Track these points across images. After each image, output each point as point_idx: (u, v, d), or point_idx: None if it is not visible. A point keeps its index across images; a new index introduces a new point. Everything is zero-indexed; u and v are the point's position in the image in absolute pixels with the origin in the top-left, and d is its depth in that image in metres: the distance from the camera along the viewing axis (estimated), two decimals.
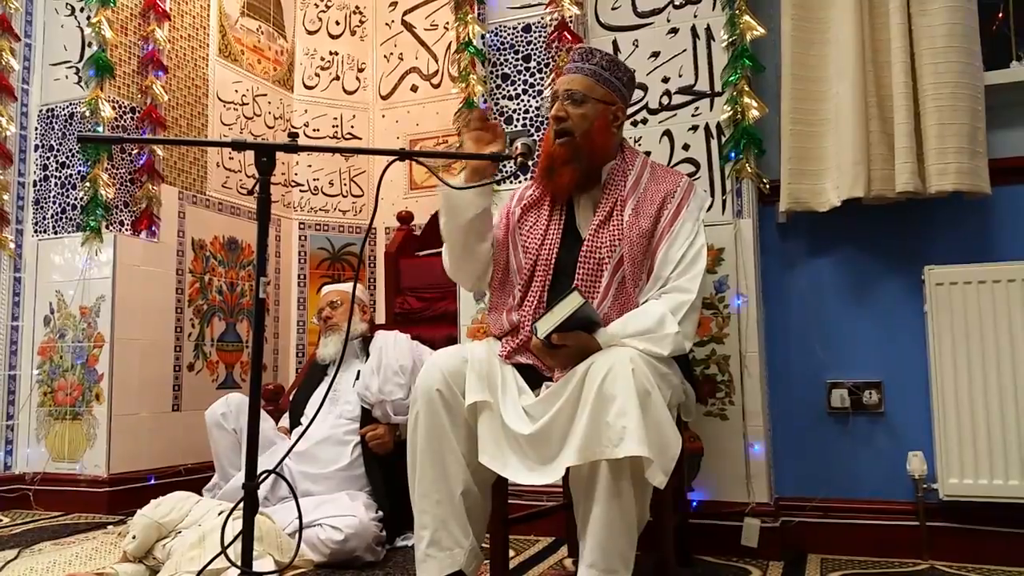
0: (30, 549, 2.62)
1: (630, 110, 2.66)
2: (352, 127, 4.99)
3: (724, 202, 2.53)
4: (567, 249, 1.95)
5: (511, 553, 2.13)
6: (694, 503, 2.44)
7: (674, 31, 2.65)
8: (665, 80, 2.65)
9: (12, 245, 3.58)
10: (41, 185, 3.61)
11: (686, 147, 2.60)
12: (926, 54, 2.27)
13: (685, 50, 2.63)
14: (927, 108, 2.26)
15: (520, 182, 2.64)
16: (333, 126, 4.94)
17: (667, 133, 2.62)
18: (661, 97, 2.64)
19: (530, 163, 1.90)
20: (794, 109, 2.43)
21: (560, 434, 1.67)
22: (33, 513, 3.31)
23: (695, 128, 2.59)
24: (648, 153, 2.61)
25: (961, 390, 2.23)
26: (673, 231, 1.89)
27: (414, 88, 5.04)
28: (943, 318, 2.27)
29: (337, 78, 5.00)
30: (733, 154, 2.51)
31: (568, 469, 1.65)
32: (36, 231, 3.60)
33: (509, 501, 1.95)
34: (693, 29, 2.63)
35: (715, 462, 2.45)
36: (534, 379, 1.82)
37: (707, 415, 2.47)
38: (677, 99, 2.63)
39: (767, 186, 2.52)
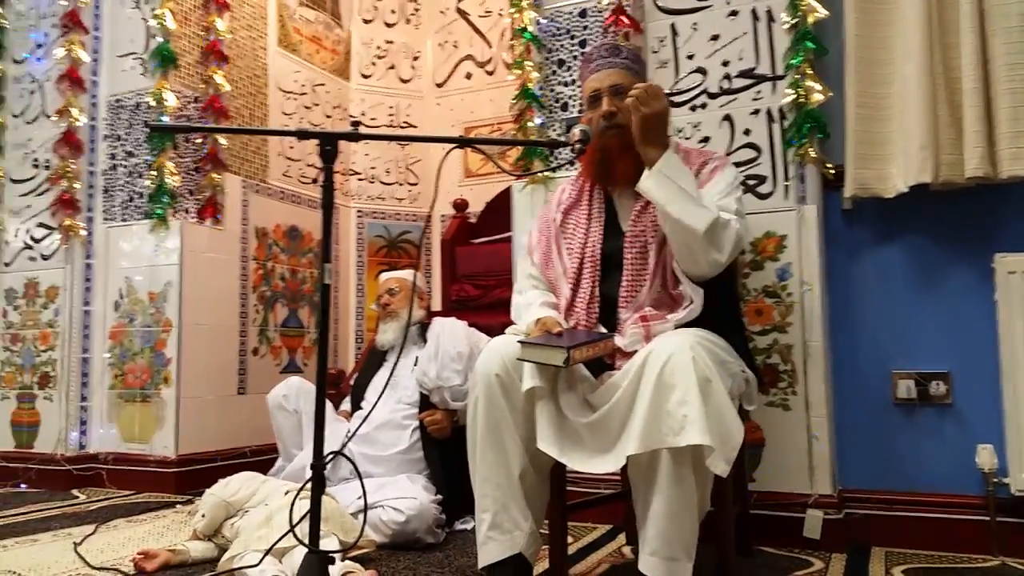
0: (106, 525, 2.73)
1: (690, 94, 2.64)
2: (408, 115, 5.04)
3: (787, 188, 2.48)
4: (611, 241, 1.97)
5: (569, 539, 2.14)
6: (755, 494, 2.41)
7: (734, 13, 2.60)
8: (725, 63, 2.60)
9: (83, 232, 3.71)
10: (110, 174, 3.73)
11: (747, 132, 2.55)
12: (1000, 33, 2.20)
13: (745, 33, 2.58)
14: (1000, 90, 2.18)
15: (576, 168, 2.62)
16: (389, 115, 4.99)
17: (727, 118, 2.58)
18: (721, 81, 2.60)
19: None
20: (859, 92, 2.38)
21: (619, 423, 1.67)
22: (106, 491, 3.44)
23: (756, 112, 2.55)
24: (706, 140, 2.58)
25: None
26: (712, 181, 1.93)
27: (468, 75, 5.06)
28: (1015, 307, 2.20)
29: (392, 67, 5.04)
30: (796, 139, 2.46)
31: (627, 457, 1.65)
32: (106, 218, 3.72)
33: (567, 488, 1.95)
34: (753, 11, 2.57)
35: (777, 453, 2.42)
36: (596, 367, 1.82)
37: (769, 405, 2.44)
38: (737, 83, 2.58)
39: (831, 171, 2.46)
